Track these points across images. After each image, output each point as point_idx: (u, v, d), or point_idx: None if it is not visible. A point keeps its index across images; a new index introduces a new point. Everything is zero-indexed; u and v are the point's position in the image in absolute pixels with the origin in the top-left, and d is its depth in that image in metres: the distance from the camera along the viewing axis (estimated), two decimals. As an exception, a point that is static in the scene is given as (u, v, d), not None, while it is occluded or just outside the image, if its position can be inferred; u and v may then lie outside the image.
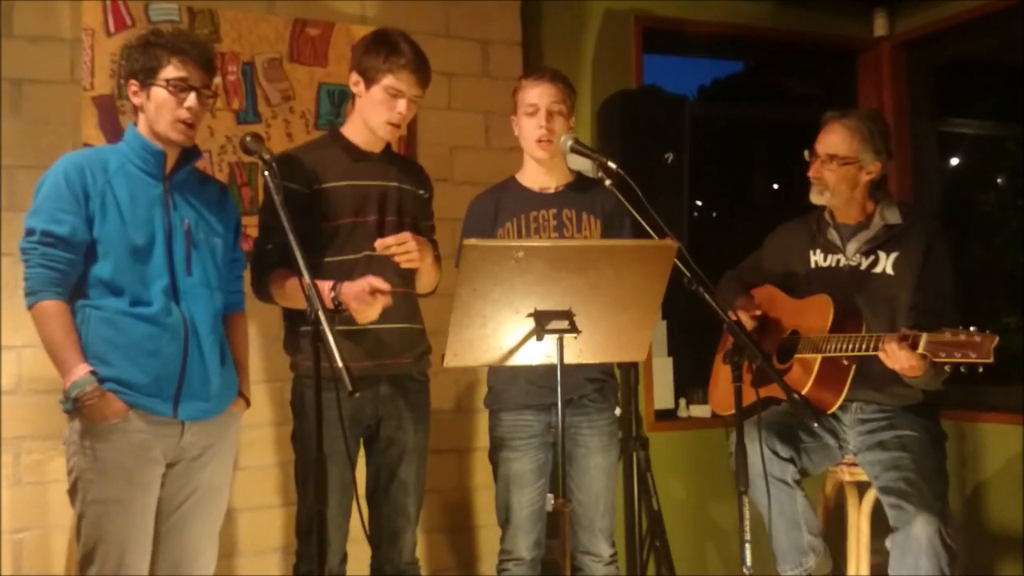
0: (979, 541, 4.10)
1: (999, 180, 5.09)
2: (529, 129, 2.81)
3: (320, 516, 2.26)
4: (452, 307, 2.20)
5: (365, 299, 2.49)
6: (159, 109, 2.41)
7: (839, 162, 2.93)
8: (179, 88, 2.40)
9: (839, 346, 2.75)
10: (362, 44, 2.73)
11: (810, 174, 3.00)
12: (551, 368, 2.28)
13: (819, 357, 2.81)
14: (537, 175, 2.89)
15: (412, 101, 2.70)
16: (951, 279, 2.92)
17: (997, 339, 2.44)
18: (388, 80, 2.65)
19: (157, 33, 2.47)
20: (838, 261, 3.01)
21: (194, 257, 2.48)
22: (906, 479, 2.74)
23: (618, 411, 2.93)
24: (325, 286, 2.50)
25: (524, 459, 2.81)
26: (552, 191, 2.89)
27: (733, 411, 2.47)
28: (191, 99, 2.41)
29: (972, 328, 2.48)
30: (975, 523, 4.12)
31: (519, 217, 2.83)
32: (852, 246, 2.99)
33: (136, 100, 2.45)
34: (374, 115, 2.69)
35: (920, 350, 2.54)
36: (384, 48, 2.66)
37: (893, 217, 2.96)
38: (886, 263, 2.93)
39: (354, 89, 2.73)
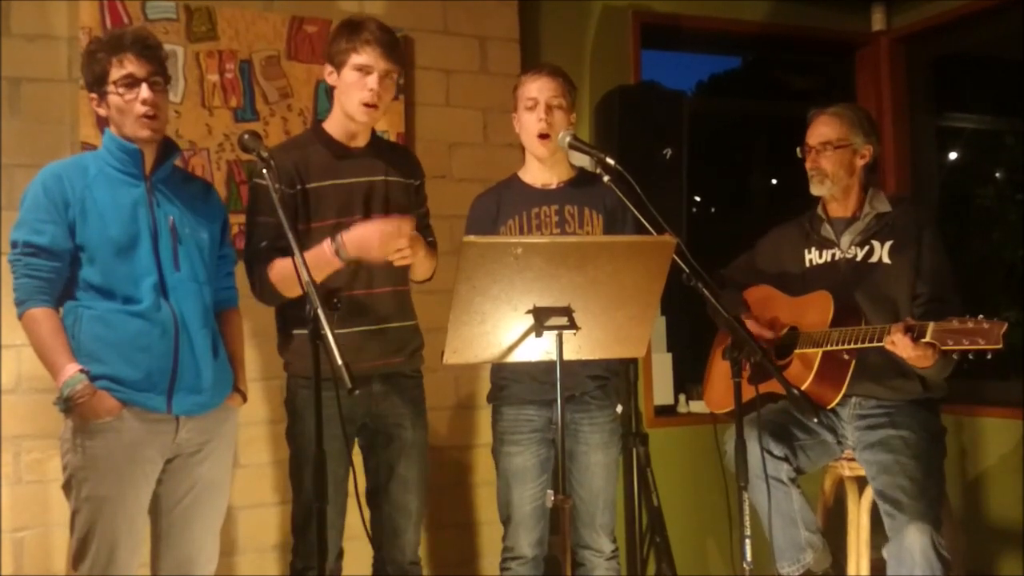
0: (979, 535, 4.10)
1: (997, 174, 5.10)
2: (529, 123, 2.80)
3: (320, 512, 2.25)
4: (451, 304, 2.20)
5: (377, 230, 2.49)
6: (119, 113, 2.41)
7: (833, 147, 2.98)
8: (128, 86, 2.39)
9: (842, 339, 2.75)
10: (330, 36, 2.72)
11: (807, 165, 3.04)
12: (554, 364, 2.28)
13: (820, 352, 2.80)
14: (539, 172, 2.89)
15: (385, 77, 2.63)
16: (947, 262, 2.93)
17: (1006, 325, 2.44)
18: (354, 59, 2.60)
19: (97, 40, 2.48)
20: (833, 255, 3.01)
21: (181, 253, 2.48)
22: (900, 486, 2.72)
23: (619, 409, 2.92)
24: (325, 246, 2.50)
25: (525, 453, 2.81)
26: (554, 187, 2.87)
27: (728, 408, 2.47)
28: (143, 92, 2.39)
29: (980, 316, 2.48)
30: (975, 517, 4.13)
31: (521, 214, 2.83)
32: (846, 239, 3.01)
33: (101, 111, 2.46)
34: (349, 99, 2.64)
35: (928, 339, 2.54)
36: (347, 30, 2.64)
37: (882, 205, 2.99)
38: (882, 252, 2.94)
39: (329, 80, 2.69)
